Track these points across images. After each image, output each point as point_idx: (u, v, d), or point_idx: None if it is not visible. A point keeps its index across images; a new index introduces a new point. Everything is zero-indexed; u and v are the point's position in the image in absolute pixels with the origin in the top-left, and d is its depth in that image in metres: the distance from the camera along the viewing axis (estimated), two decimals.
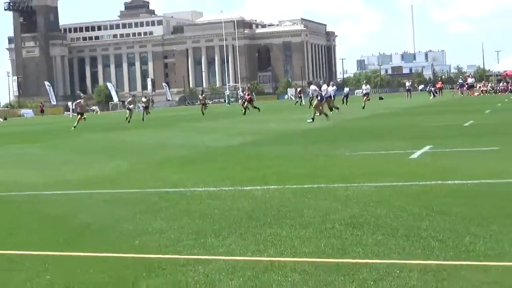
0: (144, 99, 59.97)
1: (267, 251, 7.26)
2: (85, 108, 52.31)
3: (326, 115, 37.25)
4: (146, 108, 58.49)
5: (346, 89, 76.10)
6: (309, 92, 47.70)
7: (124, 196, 11.86)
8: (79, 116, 46.92)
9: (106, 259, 7.25)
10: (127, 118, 50.41)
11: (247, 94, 59.19)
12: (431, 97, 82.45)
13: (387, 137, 22.93)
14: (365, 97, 56.26)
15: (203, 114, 59.78)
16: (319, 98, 37.73)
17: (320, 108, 37.03)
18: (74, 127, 44.24)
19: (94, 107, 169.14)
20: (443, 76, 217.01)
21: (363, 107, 52.60)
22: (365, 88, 58.88)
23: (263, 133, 28.90)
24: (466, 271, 6.06)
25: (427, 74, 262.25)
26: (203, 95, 67.36)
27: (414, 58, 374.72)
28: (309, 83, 47.50)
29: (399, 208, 9.21)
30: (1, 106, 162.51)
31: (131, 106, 52.30)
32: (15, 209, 11.19)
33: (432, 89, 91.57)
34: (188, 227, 8.77)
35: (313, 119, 35.21)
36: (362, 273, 6.16)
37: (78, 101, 49.58)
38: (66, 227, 9.19)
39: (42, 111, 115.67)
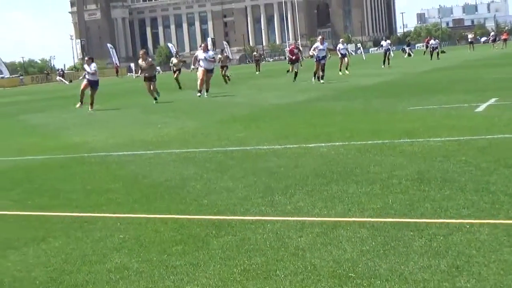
0: (255, 53, 73.35)
1: (334, 208, 7.29)
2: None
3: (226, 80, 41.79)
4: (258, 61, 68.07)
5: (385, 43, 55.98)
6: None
7: (191, 156, 11.98)
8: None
9: (176, 219, 7.37)
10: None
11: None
12: (405, 57, 75.51)
13: (450, 91, 22.61)
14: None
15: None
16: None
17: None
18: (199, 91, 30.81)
19: (157, 68, 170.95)
20: (506, 27, 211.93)
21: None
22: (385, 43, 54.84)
23: (325, 90, 28.82)
24: None
25: (490, 25, 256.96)
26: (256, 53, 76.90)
27: (476, 10, 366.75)
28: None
29: (466, 162, 9.13)
30: (67, 69, 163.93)
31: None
32: (87, 170, 11.39)
33: (406, 48, 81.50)
34: (255, 185, 8.84)
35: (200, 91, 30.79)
36: (432, 229, 6.14)
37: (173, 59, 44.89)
38: (136, 188, 9.34)
39: (117, 71, 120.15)
